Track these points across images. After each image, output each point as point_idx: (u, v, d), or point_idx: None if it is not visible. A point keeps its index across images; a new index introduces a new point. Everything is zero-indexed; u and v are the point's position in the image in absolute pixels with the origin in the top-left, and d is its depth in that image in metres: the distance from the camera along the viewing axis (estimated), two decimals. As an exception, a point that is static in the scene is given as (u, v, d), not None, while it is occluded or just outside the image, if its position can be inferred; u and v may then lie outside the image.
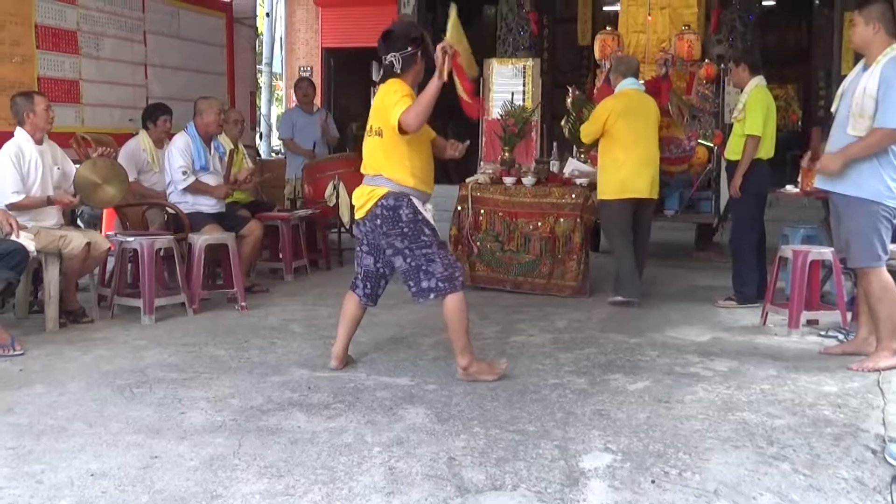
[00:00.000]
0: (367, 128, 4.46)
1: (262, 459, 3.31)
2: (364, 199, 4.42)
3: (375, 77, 19.79)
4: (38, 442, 3.50)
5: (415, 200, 4.36)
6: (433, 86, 4.13)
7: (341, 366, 4.63)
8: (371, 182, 4.41)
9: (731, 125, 7.05)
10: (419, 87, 4.35)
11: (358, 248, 4.63)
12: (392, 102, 4.24)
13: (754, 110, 6.24)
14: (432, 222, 4.43)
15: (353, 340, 5.17)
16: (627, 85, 6.67)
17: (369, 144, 4.44)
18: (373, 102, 4.49)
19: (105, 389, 4.22)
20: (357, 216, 4.49)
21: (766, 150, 6.32)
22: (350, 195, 7.86)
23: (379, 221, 4.37)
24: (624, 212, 6.56)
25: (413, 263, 4.38)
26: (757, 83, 6.37)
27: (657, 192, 6.75)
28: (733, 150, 6.45)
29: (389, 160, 4.35)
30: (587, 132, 6.71)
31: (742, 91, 6.48)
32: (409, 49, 4.36)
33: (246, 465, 3.25)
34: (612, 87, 6.85)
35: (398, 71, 4.35)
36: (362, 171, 4.51)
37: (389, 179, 4.35)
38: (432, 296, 4.40)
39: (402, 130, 4.21)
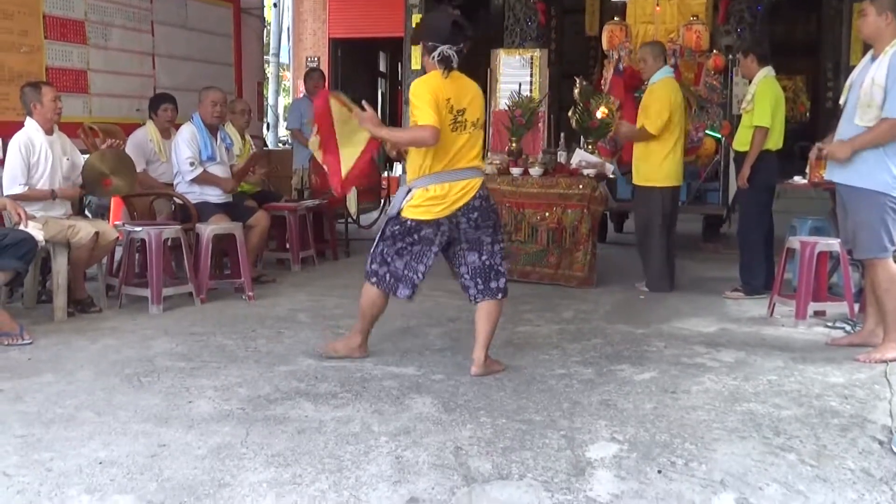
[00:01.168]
0: (463, 119, 4.23)
1: (270, 448, 3.32)
2: (458, 194, 4.24)
3: (383, 67, 19.87)
4: (47, 430, 3.51)
5: None
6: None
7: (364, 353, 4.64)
8: (466, 175, 4.27)
9: (739, 116, 7.04)
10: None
11: (423, 249, 4.33)
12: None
13: (763, 101, 6.22)
14: None
15: (359, 330, 5.20)
16: (668, 72, 6.74)
17: (472, 137, 4.28)
18: (462, 87, 4.28)
19: (113, 378, 4.24)
20: (439, 214, 4.25)
21: (775, 142, 6.31)
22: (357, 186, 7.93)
23: (476, 214, 4.28)
24: (676, 199, 6.70)
25: (489, 262, 4.37)
26: (766, 74, 6.35)
27: None
28: (741, 142, 6.44)
29: (480, 153, 4.40)
30: (659, 124, 6.49)
31: (751, 82, 6.46)
32: (462, 47, 4.29)
33: (253, 454, 3.26)
34: (644, 76, 6.88)
35: (454, 65, 4.27)
36: (446, 165, 4.23)
37: (482, 171, 4.41)
38: (500, 296, 4.40)
39: None
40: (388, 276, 4.41)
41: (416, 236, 4.32)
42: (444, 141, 4.17)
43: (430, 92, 4.17)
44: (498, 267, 4.40)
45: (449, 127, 4.19)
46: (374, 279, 4.44)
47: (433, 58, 4.24)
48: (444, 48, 4.20)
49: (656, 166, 6.60)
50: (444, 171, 4.25)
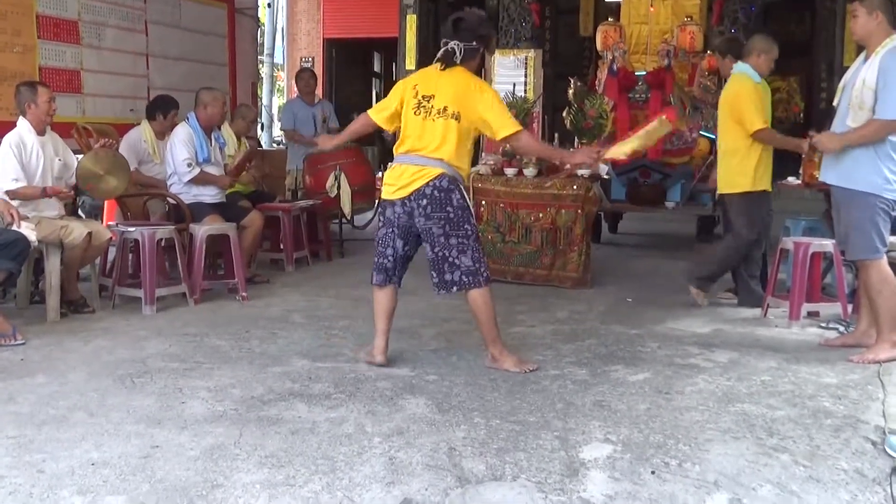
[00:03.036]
0: (429, 105, 4.31)
1: (263, 449, 3.32)
2: (410, 178, 4.32)
3: (377, 68, 19.87)
4: (40, 431, 3.50)
5: (464, 190, 4.40)
6: (552, 153, 5.19)
7: (386, 359, 4.50)
8: (420, 162, 4.31)
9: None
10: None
11: (386, 232, 4.46)
12: (499, 106, 4.38)
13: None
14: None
15: (353, 332, 5.20)
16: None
17: (436, 126, 4.30)
18: (439, 77, 4.35)
19: (106, 379, 4.23)
20: (393, 196, 4.37)
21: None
22: (351, 186, 7.94)
23: (425, 202, 4.30)
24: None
25: (441, 253, 4.36)
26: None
27: None
28: None
29: (458, 148, 4.34)
30: (763, 120, 5.89)
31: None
32: (474, 44, 4.35)
33: (246, 455, 3.26)
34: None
35: (457, 60, 4.33)
36: (406, 148, 4.37)
37: (450, 165, 4.33)
38: (454, 289, 4.39)
39: (504, 141, 4.44)
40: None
41: (381, 218, 4.52)
42: (405, 123, 4.38)
43: (398, 84, 4.51)
44: (452, 259, 4.36)
45: (412, 110, 4.34)
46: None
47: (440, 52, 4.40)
48: (452, 44, 4.32)
49: (753, 169, 5.95)
50: (404, 154, 4.39)
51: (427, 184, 4.29)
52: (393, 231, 4.43)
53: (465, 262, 4.36)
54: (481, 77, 4.62)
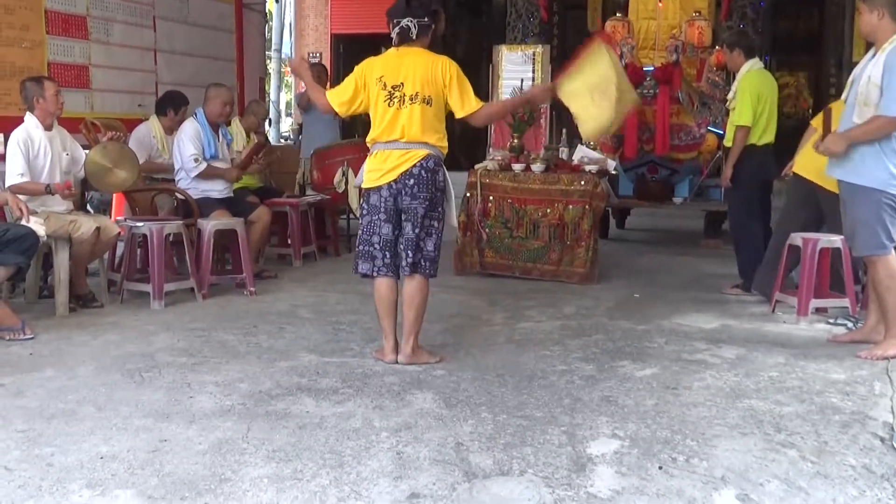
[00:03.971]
0: (400, 94, 4.35)
1: (271, 444, 3.33)
2: (396, 161, 4.36)
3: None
4: (49, 425, 3.52)
5: (444, 169, 4.46)
6: (513, 102, 4.79)
7: (397, 357, 4.47)
8: (404, 147, 4.36)
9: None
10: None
11: (371, 219, 4.46)
12: (462, 85, 4.39)
13: (744, 99, 6.12)
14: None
15: (360, 326, 5.20)
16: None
17: (412, 112, 4.34)
18: (402, 64, 4.38)
19: (114, 373, 4.24)
20: (380, 181, 4.39)
21: (763, 135, 6.20)
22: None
23: (412, 181, 4.34)
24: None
25: (418, 233, 4.41)
26: (750, 67, 6.26)
27: None
28: (730, 138, 6.35)
29: (437, 130, 4.40)
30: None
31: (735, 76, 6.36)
32: (426, 20, 4.38)
33: (254, 450, 3.27)
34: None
35: (413, 37, 4.38)
36: (386, 139, 4.39)
37: (434, 146, 4.40)
38: (408, 271, 4.43)
39: (464, 119, 4.42)
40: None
41: (366, 205, 4.51)
42: (378, 114, 4.41)
43: (356, 71, 4.50)
44: (419, 241, 4.42)
45: (385, 102, 4.37)
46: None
47: (392, 33, 4.42)
48: (405, 21, 4.37)
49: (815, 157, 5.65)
50: (385, 142, 4.41)
51: (415, 164, 4.35)
52: (378, 217, 4.44)
53: (429, 247, 4.45)
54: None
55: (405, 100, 4.34)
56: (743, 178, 6.25)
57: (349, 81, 4.51)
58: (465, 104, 4.39)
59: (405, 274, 4.44)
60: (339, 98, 4.55)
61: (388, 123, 4.37)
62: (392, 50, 4.45)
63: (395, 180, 4.36)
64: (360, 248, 4.53)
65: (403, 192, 4.37)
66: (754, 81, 6.21)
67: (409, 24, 4.36)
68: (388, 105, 4.36)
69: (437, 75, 4.36)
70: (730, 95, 6.34)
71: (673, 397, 3.96)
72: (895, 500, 2.91)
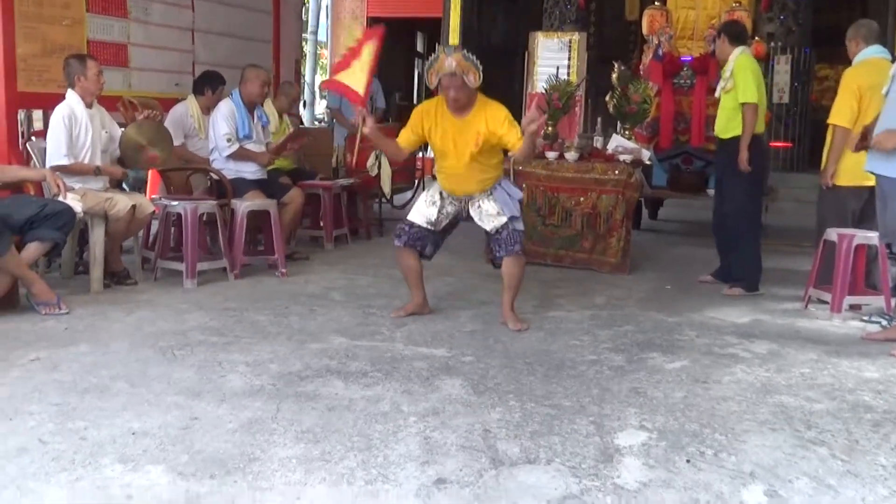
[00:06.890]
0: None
1: (300, 425, 3.35)
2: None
3: (420, 48, 19.83)
4: (82, 399, 3.57)
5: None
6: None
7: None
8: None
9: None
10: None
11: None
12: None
13: (745, 77, 5.91)
14: (431, 211, 5.04)
15: (391, 310, 5.21)
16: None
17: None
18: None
19: (147, 350, 4.29)
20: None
21: (760, 122, 6.03)
22: (391, 165, 7.95)
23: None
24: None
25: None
26: (740, 52, 6.04)
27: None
28: (724, 128, 6.09)
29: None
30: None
31: (726, 63, 6.12)
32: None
33: (283, 430, 3.30)
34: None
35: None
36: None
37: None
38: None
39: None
40: None
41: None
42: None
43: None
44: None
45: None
46: None
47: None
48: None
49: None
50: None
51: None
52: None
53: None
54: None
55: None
56: (738, 168, 5.98)
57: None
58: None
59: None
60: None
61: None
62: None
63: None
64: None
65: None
66: (749, 62, 6.02)
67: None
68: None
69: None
70: (725, 77, 6.08)
71: (702, 391, 3.94)
72: (926, 502, 2.88)
